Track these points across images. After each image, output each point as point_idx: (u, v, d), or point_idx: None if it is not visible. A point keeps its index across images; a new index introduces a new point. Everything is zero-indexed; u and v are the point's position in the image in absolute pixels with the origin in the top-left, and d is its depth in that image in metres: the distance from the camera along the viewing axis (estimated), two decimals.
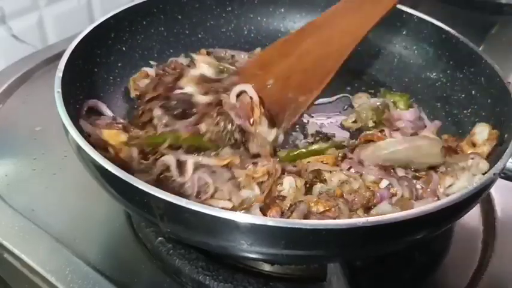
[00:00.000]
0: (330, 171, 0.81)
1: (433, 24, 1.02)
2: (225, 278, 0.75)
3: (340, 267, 0.69)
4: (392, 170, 0.82)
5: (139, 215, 0.72)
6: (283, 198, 0.77)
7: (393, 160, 0.82)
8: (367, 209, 0.78)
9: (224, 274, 0.75)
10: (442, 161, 0.82)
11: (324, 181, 0.81)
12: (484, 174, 0.77)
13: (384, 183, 0.80)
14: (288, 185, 0.78)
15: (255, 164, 0.79)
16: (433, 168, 0.83)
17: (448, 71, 1.01)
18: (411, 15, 1.06)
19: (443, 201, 0.62)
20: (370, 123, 0.96)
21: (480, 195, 0.69)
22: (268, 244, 0.61)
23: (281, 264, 0.78)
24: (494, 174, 0.68)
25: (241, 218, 0.58)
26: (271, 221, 0.58)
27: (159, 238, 0.80)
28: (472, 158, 0.81)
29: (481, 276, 0.80)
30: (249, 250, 0.62)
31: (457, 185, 0.79)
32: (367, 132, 0.90)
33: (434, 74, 1.04)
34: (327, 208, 0.75)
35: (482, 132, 0.85)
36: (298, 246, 0.60)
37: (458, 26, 1.01)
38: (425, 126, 0.97)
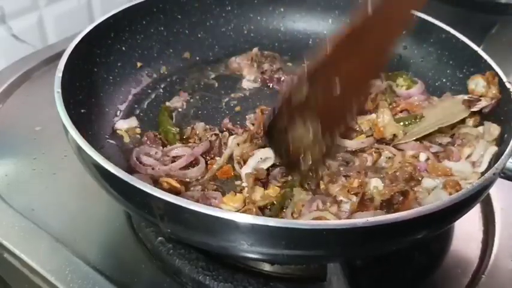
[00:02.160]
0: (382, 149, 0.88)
1: (433, 24, 1.02)
2: (225, 278, 0.75)
3: (340, 267, 0.69)
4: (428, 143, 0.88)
5: (140, 215, 0.72)
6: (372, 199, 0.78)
7: (427, 127, 0.87)
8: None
9: (224, 274, 0.75)
10: (468, 112, 0.88)
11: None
12: (496, 138, 0.83)
13: (422, 156, 0.85)
14: (374, 186, 0.80)
15: (347, 176, 0.81)
16: (450, 142, 0.88)
17: (448, 71, 1.01)
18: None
19: (443, 201, 0.62)
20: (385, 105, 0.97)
21: (480, 195, 0.69)
22: (268, 244, 0.61)
23: (281, 264, 0.78)
24: (494, 174, 0.68)
25: (241, 218, 0.58)
26: (272, 221, 0.58)
27: (159, 238, 0.80)
28: (483, 124, 0.86)
29: (481, 276, 0.80)
30: (250, 250, 0.62)
31: (476, 154, 0.83)
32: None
33: (434, 73, 1.04)
34: (392, 193, 0.78)
35: (478, 83, 0.91)
36: (298, 246, 0.60)
37: (458, 25, 1.01)
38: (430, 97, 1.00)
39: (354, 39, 0.74)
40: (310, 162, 0.75)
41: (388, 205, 0.78)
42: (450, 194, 0.76)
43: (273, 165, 0.84)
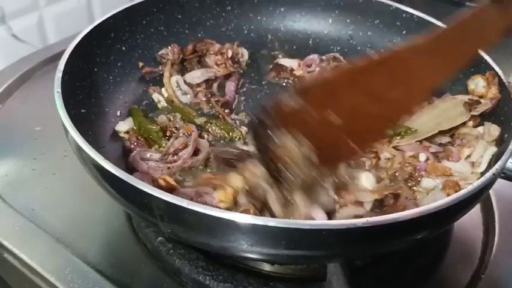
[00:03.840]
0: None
1: (433, 23, 1.02)
2: (225, 278, 0.75)
3: (340, 267, 0.69)
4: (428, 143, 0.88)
5: (140, 215, 0.72)
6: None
7: (426, 130, 0.87)
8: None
9: (224, 274, 0.75)
10: (469, 116, 0.87)
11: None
12: (496, 139, 0.83)
13: (422, 156, 0.85)
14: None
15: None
16: (450, 142, 0.88)
17: None
18: (411, 14, 1.06)
19: (444, 201, 0.62)
20: None
21: (480, 195, 0.69)
22: (268, 244, 0.61)
23: (281, 264, 0.78)
24: (493, 174, 0.68)
25: (241, 218, 0.58)
26: (272, 221, 0.58)
27: (159, 238, 0.80)
28: (483, 125, 0.86)
29: (481, 276, 0.80)
30: (250, 250, 0.62)
31: (475, 154, 0.83)
32: None
33: None
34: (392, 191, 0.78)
35: (478, 83, 0.91)
36: (298, 246, 0.60)
37: None
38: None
39: (378, 74, 0.68)
40: (299, 180, 0.71)
41: (379, 206, 0.78)
42: (448, 194, 0.76)
43: None
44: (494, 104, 0.87)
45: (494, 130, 0.84)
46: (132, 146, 0.86)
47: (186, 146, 0.84)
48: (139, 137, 0.88)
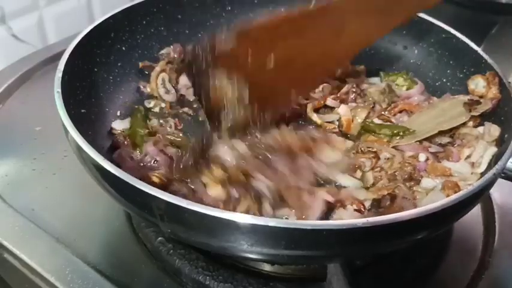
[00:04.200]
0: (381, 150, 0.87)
1: (433, 23, 1.02)
2: (225, 278, 0.75)
3: (340, 267, 0.69)
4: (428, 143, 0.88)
5: (140, 215, 0.72)
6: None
7: (426, 130, 0.87)
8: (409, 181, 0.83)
9: (224, 274, 0.75)
10: (468, 117, 0.87)
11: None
12: (496, 139, 0.83)
13: (422, 157, 0.85)
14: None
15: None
16: (450, 142, 0.88)
17: (449, 71, 1.01)
18: None
19: (444, 201, 0.62)
20: (384, 105, 0.98)
21: (480, 195, 0.69)
22: (268, 244, 0.61)
23: (281, 264, 0.78)
24: (494, 174, 0.68)
25: (241, 218, 0.58)
26: (272, 221, 0.58)
27: (159, 238, 0.80)
28: (483, 125, 0.86)
29: (481, 276, 0.80)
30: (250, 250, 0.62)
31: (475, 155, 0.83)
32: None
33: (434, 73, 1.04)
34: (390, 191, 0.78)
35: (478, 83, 0.91)
36: (298, 246, 0.60)
37: (458, 25, 1.01)
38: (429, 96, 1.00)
39: (313, 22, 0.71)
40: (231, 122, 0.73)
41: (376, 207, 0.78)
42: (448, 195, 0.76)
43: None
44: (495, 104, 0.87)
45: (494, 130, 0.84)
46: (120, 143, 0.85)
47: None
48: (126, 137, 0.87)
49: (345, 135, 0.93)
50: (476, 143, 0.84)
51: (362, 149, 0.88)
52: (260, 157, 0.75)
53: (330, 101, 0.96)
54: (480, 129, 0.87)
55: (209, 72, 0.72)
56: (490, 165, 0.80)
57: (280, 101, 0.78)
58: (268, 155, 0.76)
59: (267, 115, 0.77)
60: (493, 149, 0.81)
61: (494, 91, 0.87)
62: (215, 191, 0.75)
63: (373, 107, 0.96)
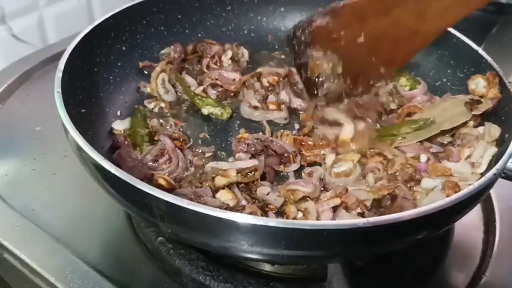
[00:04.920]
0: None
1: None
2: (225, 278, 0.75)
3: (340, 267, 0.69)
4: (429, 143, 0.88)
5: (140, 215, 0.71)
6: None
7: (428, 131, 0.87)
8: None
9: (224, 274, 0.75)
10: (470, 116, 0.87)
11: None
12: (496, 139, 0.83)
13: (423, 157, 0.85)
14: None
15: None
16: (451, 142, 0.88)
17: (449, 71, 1.01)
18: None
19: (445, 201, 0.62)
20: (393, 106, 0.98)
21: (480, 195, 0.69)
22: (269, 244, 0.61)
23: (282, 264, 0.78)
24: (494, 174, 0.68)
25: (241, 218, 0.58)
26: (272, 221, 0.58)
27: (159, 238, 0.80)
28: (483, 125, 0.86)
29: (481, 276, 0.80)
30: (250, 250, 0.62)
31: (475, 155, 0.83)
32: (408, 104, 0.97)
33: (434, 73, 1.04)
34: (391, 191, 0.78)
35: (478, 83, 0.91)
36: (298, 246, 0.60)
37: (458, 25, 1.01)
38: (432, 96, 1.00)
39: (402, 3, 0.77)
40: (325, 92, 0.82)
41: (376, 207, 0.78)
42: (448, 195, 0.75)
43: None
44: (495, 104, 0.87)
45: (494, 130, 0.84)
46: (120, 143, 0.85)
47: (163, 154, 0.84)
48: (126, 137, 0.87)
49: None
50: (477, 143, 0.84)
51: (369, 152, 0.87)
52: None
53: None
54: (480, 129, 0.87)
55: (308, 46, 0.81)
56: (490, 166, 0.80)
57: (370, 75, 0.84)
58: None
59: (358, 87, 0.85)
60: (493, 149, 0.81)
61: (494, 91, 0.87)
62: (224, 195, 0.75)
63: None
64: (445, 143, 0.88)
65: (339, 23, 0.81)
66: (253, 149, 0.83)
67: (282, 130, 0.93)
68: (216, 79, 1.02)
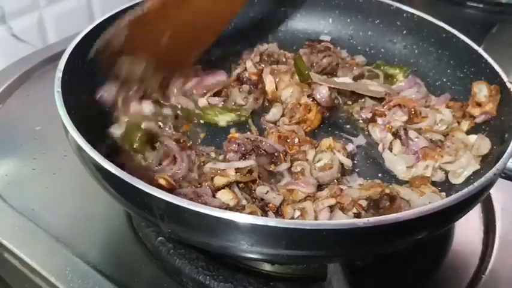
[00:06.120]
0: None
1: (433, 23, 1.02)
2: (225, 278, 0.75)
3: (340, 267, 0.69)
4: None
5: (140, 215, 0.72)
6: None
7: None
8: None
9: (224, 274, 0.75)
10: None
11: None
12: (482, 156, 0.82)
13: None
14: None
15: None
16: (441, 141, 0.88)
17: (449, 71, 1.01)
18: (412, 14, 1.06)
19: (444, 201, 0.62)
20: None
21: (480, 195, 0.69)
22: (268, 244, 0.61)
23: (281, 264, 0.78)
24: (494, 174, 0.68)
25: (241, 218, 0.58)
26: (272, 221, 0.58)
27: (159, 238, 0.80)
28: (478, 129, 0.87)
29: (481, 276, 0.80)
30: (250, 250, 0.62)
31: (457, 164, 0.83)
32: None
33: (434, 73, 1.04)
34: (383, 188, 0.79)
35: (481, 89, 0.90)
36: (298, 246, 0.60)
37: (458, 25, 1.01)
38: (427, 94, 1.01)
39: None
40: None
41: (374, 208, 0.77)
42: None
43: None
44: (486, 119, 0.87)
45: (484, 146, 0.83)
46: (119, 146, 0.84)
47: (168, 156, 0.83)
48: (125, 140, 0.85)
49: None
50: (464, 152, 0.84)
51: None
52: None
53: None
54: (472, 138, 0.86)
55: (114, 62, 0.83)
56: (468, 181, 0.80)
57: (180, 62, 0.95)
58: None
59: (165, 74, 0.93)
60: (476, 166, 0.82)
61: (491, 106, 0.87)
62: (225, 195, 0.75)
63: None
64: (435, 140, 0.88)
65: (138, 31, 0.83)
66: (243, 148, 0.83)
67: (267, 129, 0.93)
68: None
